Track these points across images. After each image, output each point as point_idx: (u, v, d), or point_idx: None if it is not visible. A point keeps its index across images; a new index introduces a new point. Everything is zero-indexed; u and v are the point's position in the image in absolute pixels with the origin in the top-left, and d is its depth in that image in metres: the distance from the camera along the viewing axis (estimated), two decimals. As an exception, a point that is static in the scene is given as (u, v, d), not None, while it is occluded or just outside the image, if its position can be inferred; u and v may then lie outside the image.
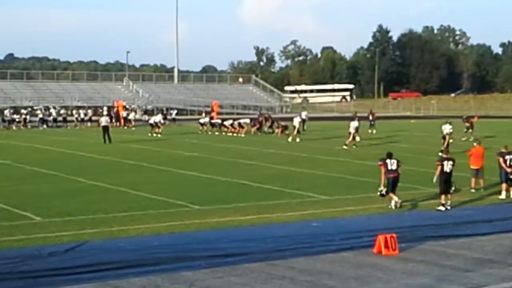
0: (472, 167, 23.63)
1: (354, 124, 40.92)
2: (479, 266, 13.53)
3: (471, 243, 15.69)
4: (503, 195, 22.43)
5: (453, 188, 21.09)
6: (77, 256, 13.79)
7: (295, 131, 45.07)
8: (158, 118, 52.49)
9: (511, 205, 21.16)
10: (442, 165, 20.27)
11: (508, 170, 22.48)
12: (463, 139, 41.23)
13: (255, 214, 18.94)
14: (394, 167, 20.30)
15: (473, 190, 23.23)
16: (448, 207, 20.14)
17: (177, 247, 14.68)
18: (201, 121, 55.11)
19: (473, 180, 23.57)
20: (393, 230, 15.50)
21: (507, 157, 22.63)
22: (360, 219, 18.54)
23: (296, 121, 45.78)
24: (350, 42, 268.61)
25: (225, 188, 24.18)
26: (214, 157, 34.51)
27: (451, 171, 20.33)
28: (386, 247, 14.38)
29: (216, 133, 51.45)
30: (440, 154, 23.25)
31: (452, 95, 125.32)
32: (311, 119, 67.20)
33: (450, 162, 20.37)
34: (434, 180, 20.38)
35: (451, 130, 39.07)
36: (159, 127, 50.34)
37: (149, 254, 14.00)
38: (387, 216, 19.03)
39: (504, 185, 22.57)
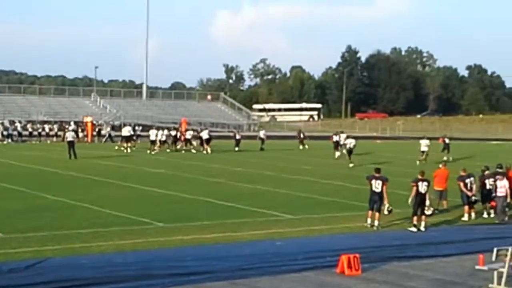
0: (436, 188, 23.83)
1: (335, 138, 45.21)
2: (440, 288, 13.66)
3: (433, 264, 15.83)
4: (465, 217, 22.70)
5: (430, 212, 21.26)
6: (37, 273, 13.61)
7: (204, 143, 49.25)
8: (127, 131, 51.51)
9: (473, 227, 21.43)
10: (417, 186, 20.46)
11: (469, 193, 22.79)
12: (445, 158, 41.94)
13: (219, 232, 18.89)
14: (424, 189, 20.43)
15: (436, 212, 23.45)
16: (422, 229, 20.32)
17: (140, 265, 14.57)
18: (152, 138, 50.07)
19: (437, 201, 23.80)
20: (356, 250, 15.56)
21: (467, 180, 22.98)
22: (324, 239, 18.60)
23: (205, 133, 50.09)
24: (319, 62, 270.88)
25: (190, 206, 24.09)
26: (180, 174, 34.40)
27: (426, 192, 20.57)
28: (349, 267, 14.44)
29: (168, 150, 50.34)
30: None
31: (418, 116, 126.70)
32: (279, 137, 67.48)
33: (425, 183, 20.57)
34: (410, 201, 20.54)
35: (427, 145, 43.10)
36: (131, 142, 50.19)
37: (112, 272, 13.88)
38: (351, 236, 19.11)
39: (466, 208, 22.86)
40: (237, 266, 14.74)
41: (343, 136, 46.03)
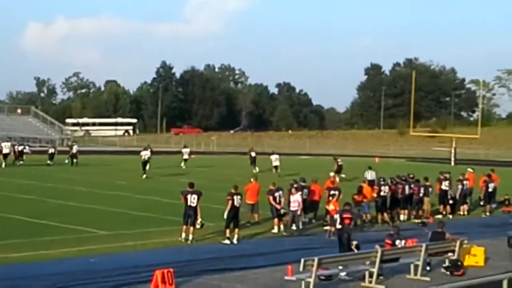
0: (248, 202, 24.52)
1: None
2: (251, 298, 14.11)
3: (245, 276, 16.32)
4: (275, 230, 23.57)
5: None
6: None
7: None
8: None
9: (282, 239, 22.30)
10: (233, 200, 20.96)
11: (278, 206, 23.70)
12: (343, 176, 43.65)
13: (29, 251, 18.27)
14: None
15: (248, 224, 24.14)
16: (235, 241, 20.80)
17: None
18: None
19: (249, 214, 24.49)
20: (170, 265, 15.69)
21: (276, 194, 23.86)
22: (138, 254, 18.57)
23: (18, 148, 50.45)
24: (134, 77, 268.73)
25: (-2, 224, 23.06)
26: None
27: (240, 205, 21.09)
28: (163, 282, 14.53)
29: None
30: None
31: (231, 131, 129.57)
32: (93, 152, 66.21)
33: (239, 197, 21.14)
34: (225, 214, 20.97)
35: (277, 159, 47.72)
36: None
37: None
38: (166, 251, 19.23)
39: (276, 220, 23.74)
40: (49, 285, 14.36)
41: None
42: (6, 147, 49.64)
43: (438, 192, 29.43)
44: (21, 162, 50.32)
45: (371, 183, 29.46)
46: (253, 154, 50.94)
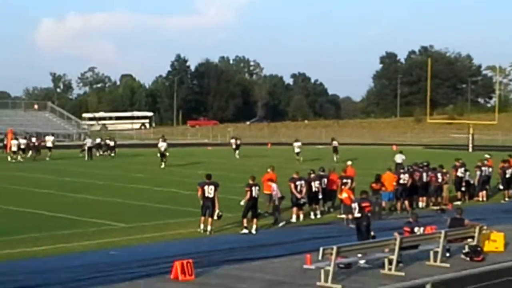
0: (265, 192, 24.49)
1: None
2: (271, 288, 14.15)
3: (264, 265, 16.35)
4: (293, 219, 23.57)
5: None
6: None
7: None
8: None
9: (301, 228, 22.31)
10: (251, 191, 21.02)
11: (299, 195, 23.68)
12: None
13: (50, 244, 18.43)
14: None
15: (266, 214, 24.15)
16: (253, 231, 20.85)
17: (-35, 282, 13.93)
18: None
19: (266, 204, 24.48)
20: (190, 255, 15.76)
21: (298, 182, 23.82)
22: (157, 246, 18.66)
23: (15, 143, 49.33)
24: (149, 70, 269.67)
25: (18, 218, 23.24)
26: (5, 186, 32.99)
27: (258, 196, 21.14)
28: (183, 272, 14.60)
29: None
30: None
31: (247, 123, 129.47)
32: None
33: (257, 188, 21.23)
34: (243, 202, 21.06)
35: (300, 147, 50.00)
36: None
37: None
38: (185, 242, 19.30)
39: (294, 209, 23.72)
40: (69, 278, 14.47)
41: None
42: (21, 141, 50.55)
43: (454, 178, 29.32)
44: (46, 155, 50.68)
45: (399, 166, 31.22)
46: (238, 142, 55.88)
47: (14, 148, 49.64)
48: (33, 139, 53.01)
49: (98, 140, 57.63)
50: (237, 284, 14.42)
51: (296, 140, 52.23)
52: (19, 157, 49.05)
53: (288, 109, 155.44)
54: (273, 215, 23.36)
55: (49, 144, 52.60)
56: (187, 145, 74.42)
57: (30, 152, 51.33)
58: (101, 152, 55.65)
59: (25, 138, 53.73)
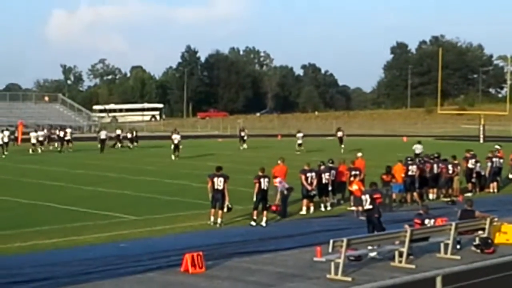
0: (275, 184, 24.46)
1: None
2: (281, 281, 14.14)
3: (274, 258, 16.34)
4: (303, 211, 23.53)
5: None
6: None
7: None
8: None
9: (311, 220, 22.27)
10: (260, 183, 21.01)
11: (309, 187, 23.63)
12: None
13: (61, 237, 18.49)
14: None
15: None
16: (263, 224, 20.85)
17: (-24, 275, 13.99)
18: None
19: (274, 197, 24.40)
20: (200, 248, 15.79)
21: (308, 174, 23.76)
22: (167, 239, 18.69)
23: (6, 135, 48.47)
24: (159, 62, 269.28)
25: (29, 211, 23.34)
26: (17, 179, 33.14)
27: (267, 188, 21.12)
28: (193, 265, 14.61)
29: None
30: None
31: (258, 114, 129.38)
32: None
33: (266, 179, 21.17)
34: (255, 197, 21.03)
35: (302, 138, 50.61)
36: None
37: None
38: (195, 235, 19.33)
39: (305, 201, 23.68)
40: (80, 271, 14.51)
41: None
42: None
43: (465, 170, 29.20)
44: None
45: (417, 156, 32.18)
46: (242, 133, 56.05)
47: (33, 141, 50.14)
48: (57, 131, 53.31)
49: (118, 132, 57.93)
50: (247, 277, 14.43)
51: (299, 132, 52.62)
52: (39, 149, 49.99)
53: (298, 100, 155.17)
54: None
55: (68, 137, 52.85)
56: (197, 137, 74.43)
57: (56, 144, 51.95)
58: (122, 144, 55.90)
59: (43, 129, 54.18)
